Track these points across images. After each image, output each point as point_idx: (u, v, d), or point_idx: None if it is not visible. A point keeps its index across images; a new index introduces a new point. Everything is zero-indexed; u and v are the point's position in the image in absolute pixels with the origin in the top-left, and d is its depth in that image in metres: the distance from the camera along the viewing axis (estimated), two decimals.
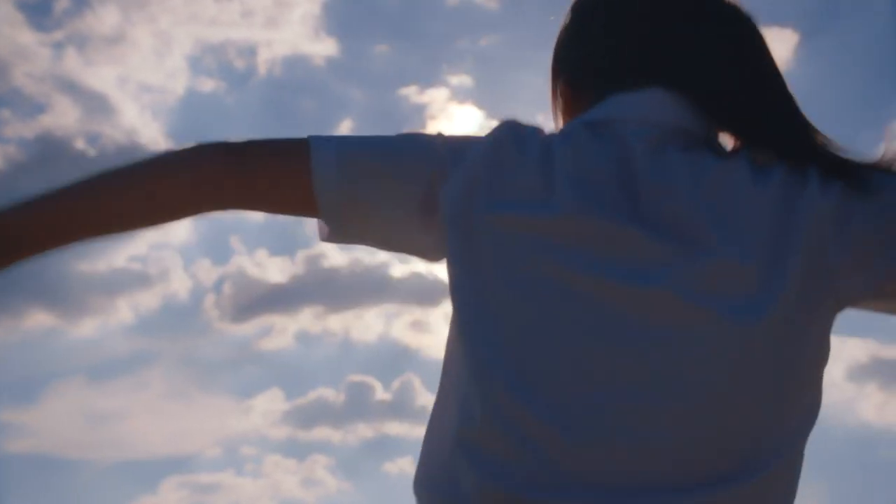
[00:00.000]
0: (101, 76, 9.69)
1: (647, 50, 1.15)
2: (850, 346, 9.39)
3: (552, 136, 1.11)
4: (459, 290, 1.05)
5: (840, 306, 1.06)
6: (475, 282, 1.04)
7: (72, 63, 9.45)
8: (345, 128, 10.05)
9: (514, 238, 1.04)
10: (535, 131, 1.11)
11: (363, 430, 9.64)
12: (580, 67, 1.19)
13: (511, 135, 1.10)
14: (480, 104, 9.69)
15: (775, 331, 1.01)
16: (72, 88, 9.45)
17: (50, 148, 8.98)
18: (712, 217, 1.03)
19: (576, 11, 1.23)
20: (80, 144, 9.17)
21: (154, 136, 9.55)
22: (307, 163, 1.09)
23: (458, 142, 1.12)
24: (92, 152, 9.07)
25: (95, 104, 9.57)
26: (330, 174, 1.09)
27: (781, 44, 10.18)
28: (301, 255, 9.93)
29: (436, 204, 1.08)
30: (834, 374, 9.41)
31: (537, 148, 1.08)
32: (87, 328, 9.65)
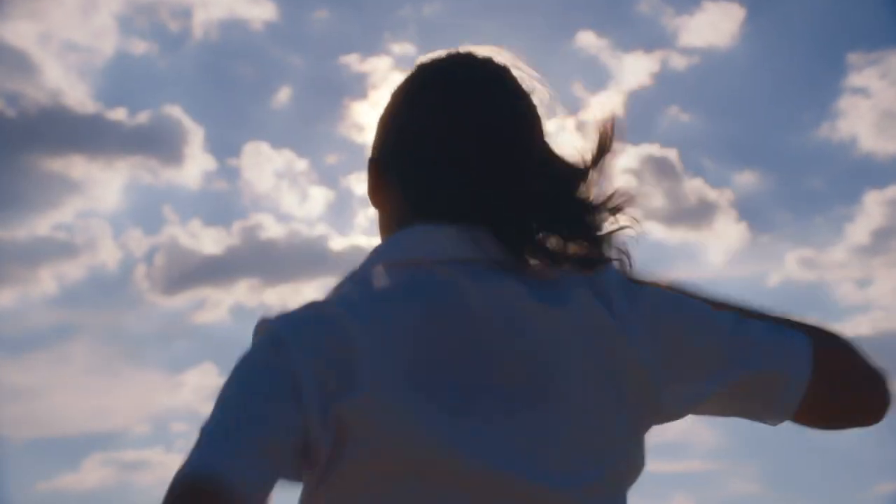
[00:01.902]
0: (20, 31, 9.39)
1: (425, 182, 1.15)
2: None
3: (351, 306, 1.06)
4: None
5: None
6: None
7: None
8: (284, 95, 9.91)
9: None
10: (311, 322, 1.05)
11: None
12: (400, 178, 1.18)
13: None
14: None
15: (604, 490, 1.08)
16: None
17: None
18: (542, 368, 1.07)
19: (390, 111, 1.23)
20: None
21: (80, 99, 9.31)
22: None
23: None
24: (11, 113, 8.81)
25: (14, 61, 9.27)
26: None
27: (727, 20, 10.24)
28: (237, 225, 9.79)
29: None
30: None
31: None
32: (5, 298, 9.41)
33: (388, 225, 1.19)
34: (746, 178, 10.16)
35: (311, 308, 1.06)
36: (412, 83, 1.21)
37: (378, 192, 1.20)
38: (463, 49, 1.22)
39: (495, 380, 1.05)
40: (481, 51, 1.22)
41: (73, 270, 9.53)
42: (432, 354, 1.04)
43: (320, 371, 1.01)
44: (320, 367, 1.01)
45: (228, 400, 1.02)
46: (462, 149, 1.14)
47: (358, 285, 1.09)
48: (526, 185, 1.12)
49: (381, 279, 1.09)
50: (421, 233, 1.13)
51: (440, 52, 1.23)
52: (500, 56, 1.21)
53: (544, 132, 1.18)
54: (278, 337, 1.03)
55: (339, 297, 1.08)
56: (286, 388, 1.00)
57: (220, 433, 0.99)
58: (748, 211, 9.60)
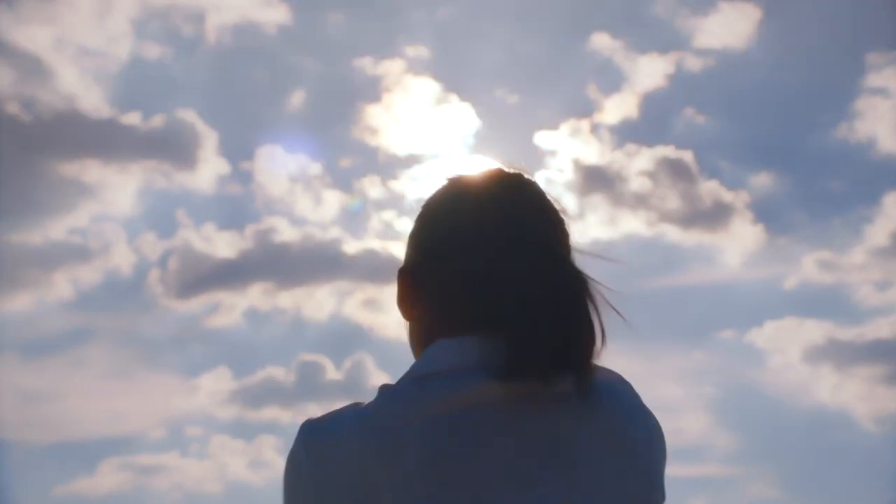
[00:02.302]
0: (35, 37, 9.42)
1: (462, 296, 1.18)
2: (806, 328, 9.42)
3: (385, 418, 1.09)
4: None
5: None
6: None
7: (2, 21, 9.16)
8: (297, 99, 9.91)
9: None
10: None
11: (314, 411, 9.43)
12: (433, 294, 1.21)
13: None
14: (437, 76, 9.59)
15: None
16: (3, 49, 9.14)
17: None
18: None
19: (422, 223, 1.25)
20: (13, 109, 8.93)
21: (96, 103, 9.35)
22: None
23: None
24: (26, 117, 8.84)
25: (30, 66, 9.30)
26: None
27: (743, 20, 10.18)
28: (250, 229, 9.79)
29: None
30: (790, 356, 9.44)
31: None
32: (21, 303, 9.44)
33: (418, 335, 1.22)
34: (763, 180, 10.13)
35: (336, 430, 1.11)
36: (442, 197, 1.24)
37: (408, 302, 1.23)
38: (492, 165, 1.24)
39: (507, 481, 1.07)
40: (509, 167, 1.24)
41: (88, 274, 9.55)
42: (442, 479, 1.06)
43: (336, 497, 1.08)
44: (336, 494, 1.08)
45: None
46: (495, 262, 1.16)
47: (380, 401, 1.12)
48: (557, 299, 1.14)
49: (398, 395, 1.12)
50: (449, 345, 1.14)
51: (468, 169, 1.25)
52: (528, 173, 1.24)
53: (571, 244, 1.21)
54: (299, 470, 1.15)
55: (360, 414, 1.11)
56: None
57: None
58: (765, 213, 9.57)
